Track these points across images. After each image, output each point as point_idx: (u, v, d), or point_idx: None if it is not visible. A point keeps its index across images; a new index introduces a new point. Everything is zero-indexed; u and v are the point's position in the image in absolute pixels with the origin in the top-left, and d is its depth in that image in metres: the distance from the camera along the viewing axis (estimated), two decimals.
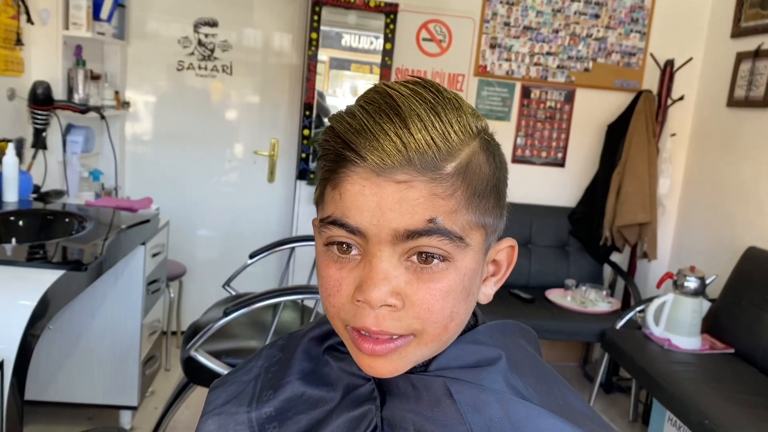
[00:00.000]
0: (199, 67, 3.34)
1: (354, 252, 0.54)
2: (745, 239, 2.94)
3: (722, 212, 3.19)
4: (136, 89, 3.33)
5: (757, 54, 3.00)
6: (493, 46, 3.33)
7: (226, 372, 1.79)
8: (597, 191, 3.38)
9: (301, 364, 0.66)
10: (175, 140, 3.40)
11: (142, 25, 3.26)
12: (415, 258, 0.53)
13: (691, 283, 2.73)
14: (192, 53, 3.32)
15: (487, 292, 0.60)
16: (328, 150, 0.54)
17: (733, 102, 3.16)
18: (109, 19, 2.90)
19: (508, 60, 3.35)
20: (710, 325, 2.81)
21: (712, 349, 2.70)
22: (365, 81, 3.79)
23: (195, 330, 1.98)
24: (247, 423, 0.65)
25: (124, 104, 3.22)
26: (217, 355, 1.85)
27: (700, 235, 3.36)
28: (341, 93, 3.72)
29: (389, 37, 3.24)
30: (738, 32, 3.18)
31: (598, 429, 0.57)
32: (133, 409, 2.53)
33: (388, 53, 3.26)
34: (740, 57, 3.13)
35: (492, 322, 0.62)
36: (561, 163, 3.49)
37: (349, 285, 0.54)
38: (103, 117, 2.64)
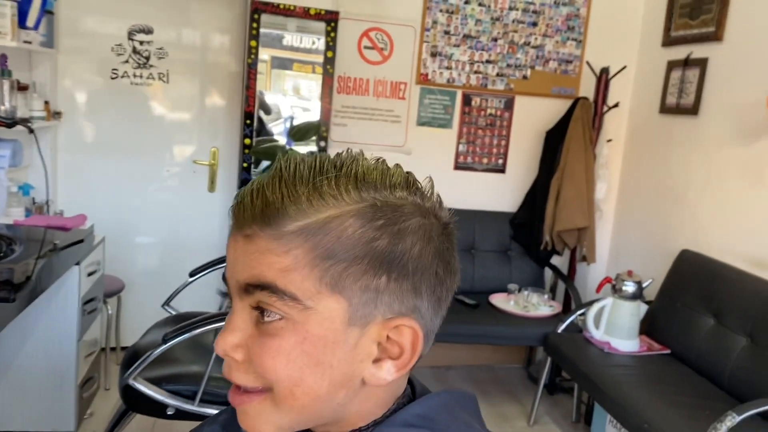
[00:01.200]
0: (135, 75, 3.23)
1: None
2: (679, 242, 3.04)
3: (657, 216, 3.29)
4: (69, 99, 3.20)
5: (687, 63, 3.10)
6: (434, 54, 3.35)
7: (167, 400, 1.74)
8: (537, 196, 3.44)
9: None
10: (111, 151, 3.29)
11: (72, 33, 3.13)
12: (258, 312, 0.54)
13: (629, 287, 2.81)
14: (127, 61, 3.21)
15: (381, 375, 0.55)
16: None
17: (665, 109, 3.27)
18: (36, 27, 2.78)
19: (448, 68, 3.37)
20: (647, 327, 2.90)
21: (649, 351, 2.78)
22: (308, 81, 3.75)
23: (133, 355, 1.92)
24: None
25: (55, 114, 3.09)
26: (157, 381, 1.80)
27: (635, 239, 3.47)
28: (283, 92, 3.68)
29: (330, 45, 3.22)
30: (668, 41, 3.29)
31: None
32: None
33: (329, 61, 3.23)
34: (671, 65, 3.24)
35: (426, 397, 0.59)
36: (502, 170, 3.53)
37: None
38: (31, 131, 2.53)
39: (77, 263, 2.28)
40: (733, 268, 2.66)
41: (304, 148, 3.41)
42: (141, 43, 3.21)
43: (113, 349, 3.22)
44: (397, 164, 0.57)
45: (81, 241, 2.22)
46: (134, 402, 1.80)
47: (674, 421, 2.19)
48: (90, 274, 2.45)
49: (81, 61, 3.18)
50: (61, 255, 2.09)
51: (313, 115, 3.55)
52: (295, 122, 3.96)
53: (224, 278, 0.58)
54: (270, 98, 3.49)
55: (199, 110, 3.40)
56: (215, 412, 1.81)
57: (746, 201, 2.73)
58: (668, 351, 2.77)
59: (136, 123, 3.31)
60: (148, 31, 3.22)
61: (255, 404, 0.55)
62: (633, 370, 2.61)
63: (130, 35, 3.20)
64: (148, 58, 3.23)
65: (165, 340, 1.68)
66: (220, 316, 1.76)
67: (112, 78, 3.22)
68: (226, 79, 3.38)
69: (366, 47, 3.30)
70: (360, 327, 0.54)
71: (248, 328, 0.55)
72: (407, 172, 0.57)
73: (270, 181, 0.53)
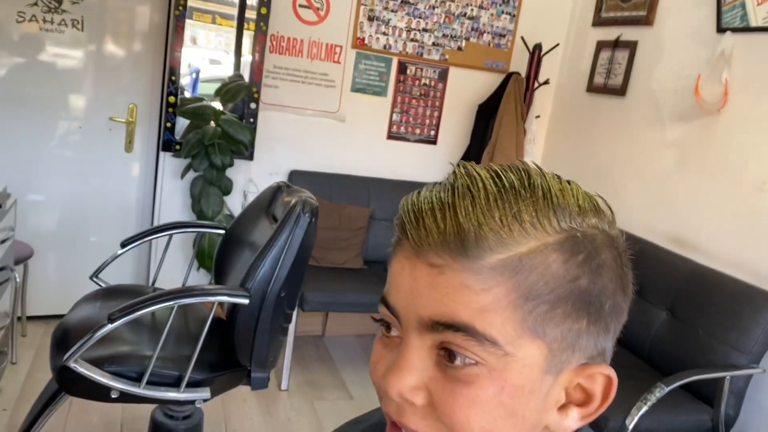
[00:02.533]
0: (45, 20, 2.92)
1: (394, 333, 0.51)
2: None
3: None
4: None
5: (617, 44, 3.19)
6: (371, 19, 3.26)
7: (111, 383, 1.62)
8: None
9: None
10: (16, 104, 2.97)
11: None
12: (444, 353, 0.48)
13: None
14: (35, 3, 2.89)
15: (566, 424, 0.51)
16: (395, 225, 0.52)
17: (592, 88, 3.36)
18: None
19: (385, 34, 3.29)
20: None
21: None
22: (206, 31, 3.56)
23: (65, 334, 1.76)
24: None
25: None
26: (97, 362, 1.66)
27: None
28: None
29: (265, 2, 3.05)
30: (599, 21, 3.37)
31: None
32: None
33: (263, 18, 3.07)
34: (600, 45, 3.33)
35: None
36: (433, 141, 3.53)
37: (384, 366, 0.51)
38: None
39: None
40: (654, 245, 2.81)
41: (226, 108, 3.24)
42: None
43: (19, 318, 2.96)
44: (575, 183, 0.51)
45: None
46: (71, 385, 1.66)
47: None
48: (2, 242, 2.22)
49: None
50: None
51: (222, 70, 3.37)
52: (201, 75, 3.76)
53: (385, 303, 0.50)
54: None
55: (117, 62, 3.14)
56: (163, 394, 1.70)
57: (668, 182, 2.88)
58: None
59: (46, 74, 3.00)
60: None
61: None
62: None
63: None
64: (60, 2, 2.93)
65: (111, 320, 1.55)
66: (170, 296, 1.64)
67: (18, 22, 2.90)
68: (146, 30, 3.13)
69: (301, 6, 3.16)
70: (554, 374, 0.49)
71: (428, 369, 0.48)
72: (587, 193, 0.51)
73: (459, 202, 0.47)
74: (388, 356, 0.51)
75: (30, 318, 3.10)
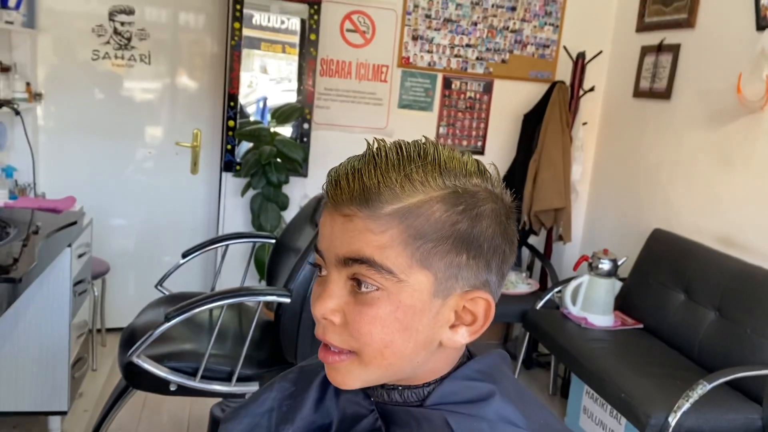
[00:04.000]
0: (116, 57, 3.22)
1: (324, 273, 0.65)
2: (651, 222, 3.17)
3: (630, 196, 3.42)
4: (49, 80, 3.17)
5: (660, 48, 3.21)
6: (415, 38, 3.40)
7: (170, 377, 1.79)
8: (515, 178, 3.53)
9: (315, 396, 0.72)
10: (92, 133, 3.27)
11: (53, 13, 3.10)
12: (355, 283, 0.61)
13: (605, 265, 2.93)
14: (108, 42, 3.19)
15: (456, 339, 0.64)
16: (323, 189, 0.65)
17: (638, 93, 3.38)
18: (17, 7, 2.76)
19: (429, 52, 3.43)
20: (621, 303, 3.02)
21: (623, 326, 2.91)
22: (276, 60, 3.76)
23: (131, 334, 1.96)
24: None
25: (36, 96, 3.07)
26: (158, 359, 1.84)
27: (609, 218, 3.59)
28: (251, 71, 3.66)
29: (314, 28, 3.24)
30: (642, 27, 3.39)
31: None
32: (63, 414, 2.47)
33: (313, 44, 3.26)
34: (645, 51, 3.34)
35: (482, 356, 0.68)
36: (481, 152, 3.61)
37: (316, 298, 0.65)
38: (17, 113, 2.52)
39: (69, 245, 2.30)
40: (702, 246, 2.79)
41: (285, 130, 3.43)
42: (122, 24, 3.20)
43: (98, 331, 3.23)
44: (469, 152, 0.64)
45: (75, 223, 2.24)
46: (136, 379, 1.84)
47: (649, 391, 2.31)
48: (80, 256, 2.47)
49: (61, 42, 3.16)
50: (56, 237, 2.11)
51: (288, 97, 3.57)
52: (269, 103, 3.97)
53: (316, 249, 0.65)
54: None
55: (181, 92, 3.41)
56: (216, 387, 1.86)
57: (714, 182, 2.86)
58: (641, 326, 2.90)
59: (118, 104, 3.30)
60: (129, 12, 3.20)
61: (346, 363, 0.63)
62: (609, 344, 2.73)
63: (111, 16, 3.18)
64: (129, 39, 3.22)
65: (168, 318, 1.73)
66: (220, 296, 1.81)
67: (93, 59, 3.20)
68: (207, 62, 3.39)
69: (348, 30, 3.34)
70: (442, 298, 0.62)
71: (344, 296, 0.62)
72: (476, 160, 0.64)
73: (365, 167, 0.60)
74: (319, 290, 0.64)
75: (109, 330, 3.37)
